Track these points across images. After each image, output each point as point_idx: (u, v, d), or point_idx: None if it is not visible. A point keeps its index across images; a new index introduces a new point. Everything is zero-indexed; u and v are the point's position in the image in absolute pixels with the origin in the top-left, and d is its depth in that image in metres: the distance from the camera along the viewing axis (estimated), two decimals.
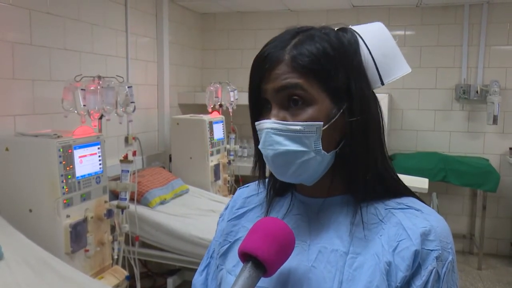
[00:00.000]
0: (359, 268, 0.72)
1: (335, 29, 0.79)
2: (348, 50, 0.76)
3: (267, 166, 0.84)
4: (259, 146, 0.77)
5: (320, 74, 0.73)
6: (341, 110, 0.75)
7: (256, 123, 0.78)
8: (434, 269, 0.71)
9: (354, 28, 0.80)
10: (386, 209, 0.77)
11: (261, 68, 0.76)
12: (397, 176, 0.82)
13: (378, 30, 0.82)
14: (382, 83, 0.80)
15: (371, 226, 0.75)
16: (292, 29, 0.78)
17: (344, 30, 0.79)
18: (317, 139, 0.74)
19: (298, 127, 0.73)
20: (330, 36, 0.76)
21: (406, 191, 0.81)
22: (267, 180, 0.88)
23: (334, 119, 0.74)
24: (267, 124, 0.75)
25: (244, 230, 0.86)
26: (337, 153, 0.76)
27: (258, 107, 0.79)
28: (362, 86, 0.76)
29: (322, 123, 0.73)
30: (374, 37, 0.79)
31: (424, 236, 0.72)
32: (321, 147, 0.74)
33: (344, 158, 0.77)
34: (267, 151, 0.75)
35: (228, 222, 0.90)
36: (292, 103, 0.74)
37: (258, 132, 0.78)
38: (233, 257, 0.84)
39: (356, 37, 0.78)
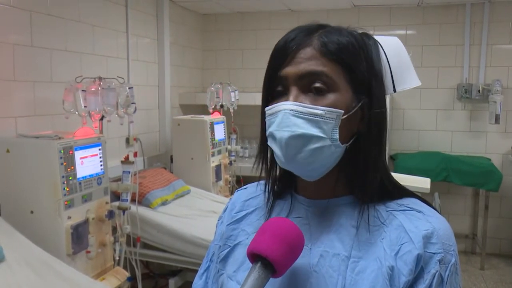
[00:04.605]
0: (361, 272, 0.71)
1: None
2: (371, 52, 0.78)
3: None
4: (272, 129, 0.74)
5: (346, 63, 0.74)
6: (360, 104, 0.75)
7: (270, 106, 0.76)
8: (437, 273, 0.70)
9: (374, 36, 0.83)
10: (387, 211, 0.76)
11: (286, 50, 0.75)
12: (394, 178, 0.82)
13: (395, 43, 0.90)
14: (395, 90, 0.83)
15: (373, 229, 0.74)
16: (315, 23, 0.79)
17: (366, 35, 0.80)
18: (335, 127, 0.72)
19: (319, 111, 0.72)
20: (356, 35, 0.78)
21: (406, 192, 0.80)
22: (265, 182, 0.86)
23: (354, 111, 0.74)
24: (285, 106, 0.72)
25: (244, 234, 0.85)
26: (347, 148, 0.75)
27: (271, 92, 0.77)
28: (381, 86, 0.77)
29: (342, 111, 0.73)
30: (391, 48, 0.85)
31: (427, 239, 0.71)
32: (337, 136, 0.73)
33: (352, 156, 0.76)
34: (282, 133, 0.72)
35: (228, 226, 0.88)
36: (314, 89, 0.73)
37: (270, 117, 0.75)
38: (234, 262, 0.83)
39: (377, 44, 0.80)
